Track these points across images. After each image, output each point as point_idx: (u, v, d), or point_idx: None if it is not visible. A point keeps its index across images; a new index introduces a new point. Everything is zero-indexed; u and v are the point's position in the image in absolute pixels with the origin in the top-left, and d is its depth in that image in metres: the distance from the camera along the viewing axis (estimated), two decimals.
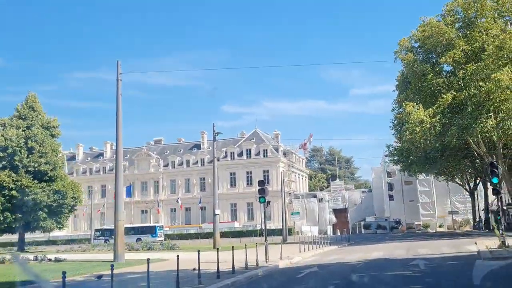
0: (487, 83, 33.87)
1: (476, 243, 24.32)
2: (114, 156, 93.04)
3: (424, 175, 59.54)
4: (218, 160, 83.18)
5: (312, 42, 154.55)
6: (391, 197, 71.54)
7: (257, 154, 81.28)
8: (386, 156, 65.90)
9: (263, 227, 35.31)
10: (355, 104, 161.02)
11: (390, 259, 23.46)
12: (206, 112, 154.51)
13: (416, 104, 37.28)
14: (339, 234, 63.88)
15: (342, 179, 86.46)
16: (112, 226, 76.43)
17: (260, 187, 25.82)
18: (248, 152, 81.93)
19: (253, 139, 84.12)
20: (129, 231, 68.51)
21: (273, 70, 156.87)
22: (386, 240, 44.07)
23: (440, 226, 65.23)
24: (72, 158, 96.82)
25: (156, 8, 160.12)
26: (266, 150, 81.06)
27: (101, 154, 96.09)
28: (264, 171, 79.98)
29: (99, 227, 74.58)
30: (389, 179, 72.63)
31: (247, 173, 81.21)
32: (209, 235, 69.71)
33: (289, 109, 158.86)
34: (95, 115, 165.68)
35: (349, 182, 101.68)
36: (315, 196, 79.89)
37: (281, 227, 71.43)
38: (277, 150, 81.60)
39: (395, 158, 48.51)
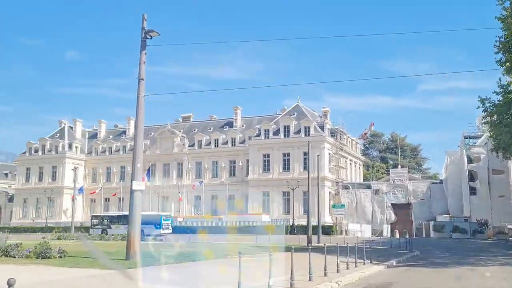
0: None
1: None
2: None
3: None
4: (250, 139, 68.49)
5: (378, 35, 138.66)
6: (472, 191, 53.56)
7: (297, 132, 65.39)
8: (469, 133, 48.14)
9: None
10: (423, 100, 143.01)
11: None
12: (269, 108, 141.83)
13: None
14: (398, 236, 47.32)
15: (406, 168, 68.71)
16: (113, 213, 64.05)
17: None
18: (286, 129, 66.16)
19: (293, 114, 68.27)
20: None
21: (337, 64, 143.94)
22: (481, 255, 26.65)
23: None
24: (94, 136, 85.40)
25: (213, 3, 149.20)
26: (309, 127, 64.91)
27: (124, 132, 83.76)
28: (304, 153, 63.96)
29: (97, 213, 61.60)
30: (471, 166, 54.56)
31: (284, 155, 65.51)
32: (229, 229, 55.24)
33: (351, 104, 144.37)
34: None
35: (414, 174, 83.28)
36: (369, 187, 62.96)
37: (321, 223, 55.66)
38: (322, 128, 65.28)
39: (494, 121, 30.51)
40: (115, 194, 73.08)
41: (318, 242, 37.49)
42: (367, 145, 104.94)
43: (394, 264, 20.38)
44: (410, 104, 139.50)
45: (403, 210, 60.42)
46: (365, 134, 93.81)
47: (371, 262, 19.13)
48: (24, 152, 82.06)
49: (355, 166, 78.17)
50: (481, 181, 53.00)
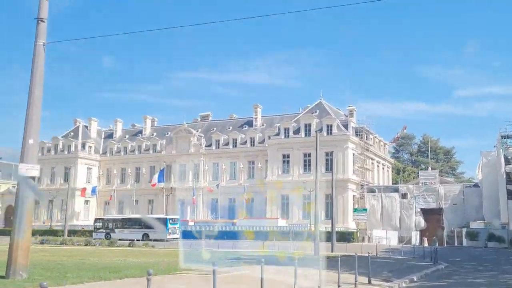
0: None
1: None
2: (154, 133, 77.82)
3: None
4: (269, 138, 64.61)
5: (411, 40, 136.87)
6: (511, 195, 48.22)
7: (319, 130, 60.96)
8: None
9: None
10: (459, 107, 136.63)
11: None
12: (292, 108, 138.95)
13: None
14: (426, 244, 42.72)
15: (437, 170, 63.40)
16: (116, 216, 60.89)
17: None
18: (307, 128, 61.97)
19: (315, 112, 64.04)
20: (134, 223, 52.22)
21: (371, 69, 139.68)
22: None
23: None
24: (110, 136, 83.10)
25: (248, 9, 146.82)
26: (331, 126, 60.59)
27: (140, 132, 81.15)
28: (326, 154, 59.70)
29: (101, 216, 58.82)
30: (509, 167, 49.25)
31: (305, 155, 61.32)
32: (244, 234, 51.49)
33: (385, 110, 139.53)
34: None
35: (447, 178, 77.76)
36: (396, 190, 58.08)
37: (345, 228, 51.33)
38: (346, 126, 60.84)
39: None
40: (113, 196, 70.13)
41: (332, 250, 33.45)
42: (397, 148, 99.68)
43: (403, 286, 15.88)
44: (444, 110, 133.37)
45: (433, 216, 55.40)
46: (397, 138, 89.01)
47: (369, 283, 14.62)
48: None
49: (383, 169, 73.24)
50: None
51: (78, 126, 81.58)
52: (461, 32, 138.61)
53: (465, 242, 45.36)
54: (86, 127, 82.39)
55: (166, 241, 46.90)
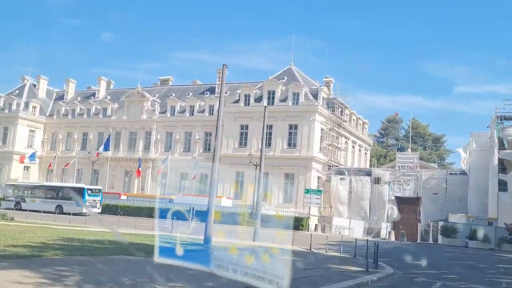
0: None
1: None
2: (108, 97, 68.80)
3: None
4: (225, 106, 55.53)
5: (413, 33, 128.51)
6: (503, 186, 39.63)
7: (284, 100, 52.16)
8: None
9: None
10: (458, 103, 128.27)
11: None
12: None
13: None
14: (393, 238, 34.45)
15: (417, 152, 54.62)
16: (31, 183, 50.99)
17: None
18: (271, 96, 52.99)
19: (283, 78, 55.02)
20: (47, 193, 43.45)
21: (369, 60, 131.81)
22: None
23: None
24: (61, 97, 73.88)
25: None
26: (298, 94, 51.59)
27: (93, 95, 71.95)
28: (290, 126, 50.92)
29: (11, 183, 50.07)
30: (504, 153, 40.60)
31: (267, 127, 52.30)
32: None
33: (383, 103, 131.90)
34: None
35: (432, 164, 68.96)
36: (369, 174, 49.41)
37: (298, 214, 42.86)
38: (316, 96, 51.91)
39: None
40: (68, 164, 61.27)
41: (254, 239, 24.96)
42: (382, 132, 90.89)
43: None
44: (442, 106, 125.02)
45: (410, 206, 46.96)
46: (396, 114, 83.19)
47: None
48: None
49: (360, 151, 64.48)
50: None
51: (25, 84, 72.38)
52: (466, 28, 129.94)
53: (440, 239, 36.65)
54: (35, 86, 73.17)
55: (85, 215, 38.13)
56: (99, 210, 41.27)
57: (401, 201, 47.37)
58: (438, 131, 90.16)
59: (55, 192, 42.82)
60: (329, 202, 49.82)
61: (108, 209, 43.48)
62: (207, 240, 19.58)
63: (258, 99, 53.27)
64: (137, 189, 61.24)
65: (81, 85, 78.39)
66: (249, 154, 46.67)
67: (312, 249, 22.07)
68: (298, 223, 38.65)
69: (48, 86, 75.36)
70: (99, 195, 42.38)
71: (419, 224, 42.92)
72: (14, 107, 67.37)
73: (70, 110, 68.81)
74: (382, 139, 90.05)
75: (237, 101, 54.73)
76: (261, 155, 32.13)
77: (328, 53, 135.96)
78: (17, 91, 71.10)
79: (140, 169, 58.43)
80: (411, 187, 46.61)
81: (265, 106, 36.85)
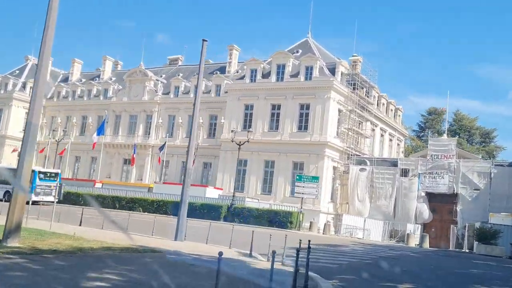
0: None
1: None
2: (113, 78, 62.89)
3: None
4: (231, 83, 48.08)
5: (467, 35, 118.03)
6: None
7: (295, 75, 44.03)
8: None
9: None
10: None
11: None
12: None
13: None
14: (428, 245, 26.12)
15: (454, 138, 45.18)
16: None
17: None
18: (281, 70, 44.98)
19: (297, 52, 46.97)
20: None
21: (422, 63, 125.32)
22: None
23: None
24: (66, 79, 68.60)
25: None
26: (311, 68, 43.30)
27: (98, 76, 66.19)
28: (301, 106, 42.81)
29: None
30: None
31: (273, 107, 44.48)
32: (158, 206, 35.87)
33: (435, 105, 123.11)
34: None
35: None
36: (395, 165, 40.68)
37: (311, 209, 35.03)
38: (333, 71, 43.53)
39: None
40: (62, 152, 55.37)
41: (176, 238, 17.40)
42: (423, 125, 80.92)
43: None
44: (498, 111, 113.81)
45: (444, 205, 38.07)
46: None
47: None
48: None
49: (391, 141, 55.46)
50: None
51: (27, 64, 67.50)
52: None
53: (475, 246, 27.62)
54: (37, 66, 68.04)
55: (39, 204, 31.15)
56: (55, 199, 34.53)
57: (433, 198, 38.53)
58: (488, 126, 79.45)
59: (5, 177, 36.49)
60: (346, 198, 41.51)
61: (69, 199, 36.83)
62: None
63: (266, 75, 45.45)
64: (134, 179, 54.86)
65: (93, 67, 73.25)
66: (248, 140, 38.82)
67: (253, 254, 14.24)
68: (286, 219, 30.41)
69: (55, 67, 70.13)
70: (56, 181, 35.42)
71: (452, 226, 33.92)
72: (10, 87, 62.37)
73: (71, 91, 63.27)
74: (421, 134, 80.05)
75: (242, 77, 47.13)
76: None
77: (380, 53, 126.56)
78: (17, 71, 66.28)
79: (135, 155, 51.84)
80: (446, 181, 37.55)
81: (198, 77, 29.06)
